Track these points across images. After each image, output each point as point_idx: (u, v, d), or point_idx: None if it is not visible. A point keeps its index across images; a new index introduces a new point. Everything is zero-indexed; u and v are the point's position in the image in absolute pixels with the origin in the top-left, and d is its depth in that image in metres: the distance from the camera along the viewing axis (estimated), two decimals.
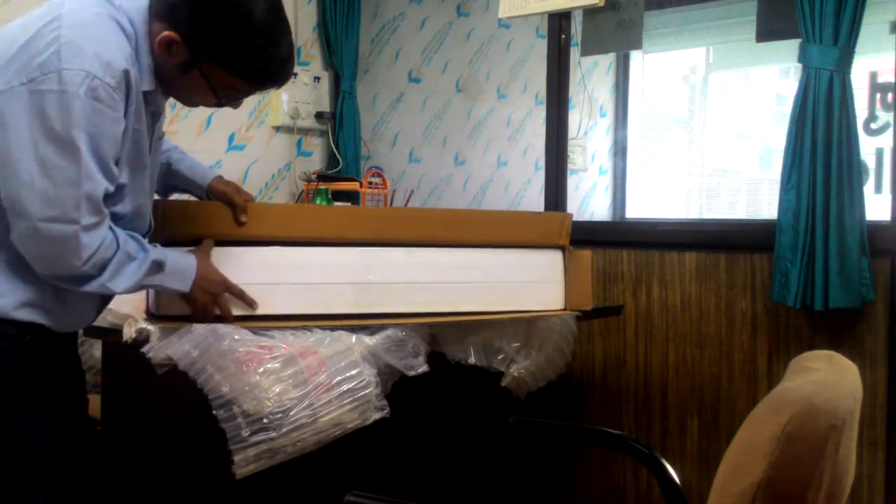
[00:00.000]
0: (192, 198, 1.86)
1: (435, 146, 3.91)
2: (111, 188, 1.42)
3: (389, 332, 1.79)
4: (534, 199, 4.08)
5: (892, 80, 2.63)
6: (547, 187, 2.91)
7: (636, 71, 4.56)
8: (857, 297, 2.23)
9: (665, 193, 4.76)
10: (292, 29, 1.56)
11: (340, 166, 3.39)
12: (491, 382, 2.06)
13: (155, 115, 1.56)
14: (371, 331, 1.79)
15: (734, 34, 4.19)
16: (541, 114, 3.08)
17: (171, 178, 1.82)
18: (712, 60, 4.78)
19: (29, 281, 1.44)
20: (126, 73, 1.39)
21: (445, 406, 2.26)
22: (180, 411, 1.80)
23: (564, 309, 2.09)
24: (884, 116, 2.68)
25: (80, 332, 1.69)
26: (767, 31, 2.85)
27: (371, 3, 3.60)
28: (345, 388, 1.63)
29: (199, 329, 1.58)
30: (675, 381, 2.67)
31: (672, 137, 4.97)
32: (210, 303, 1.64)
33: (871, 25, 2.56)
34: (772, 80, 4.96)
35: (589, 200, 4.44)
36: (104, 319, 1.69)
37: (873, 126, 2.65)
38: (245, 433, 1.52)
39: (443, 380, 1.94)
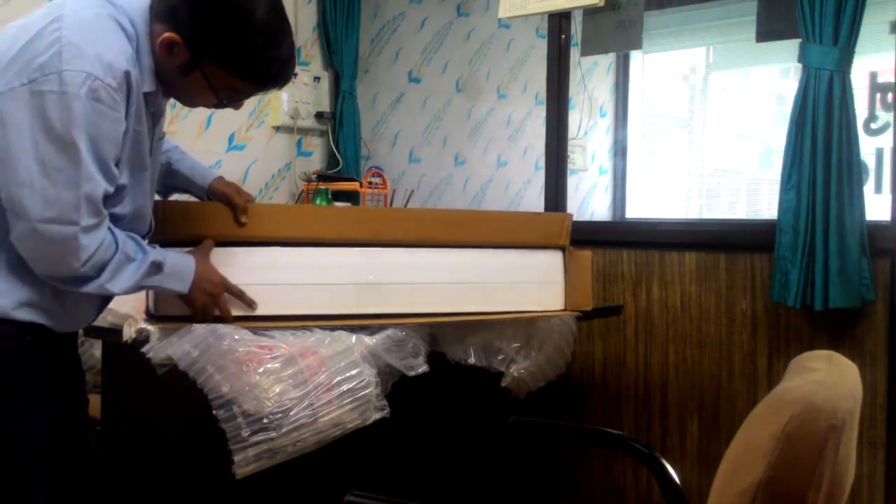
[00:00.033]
0: (193, 198, 1.87)
1: (435, 146, 3.91)
2: (111, 189, 1.42)
3: (389, 332, 1.79)
4: (534, 199, 4.08)
5: (892, 80, 2.63)
6: (547, 187, 2.91)
7: (636, 71, 4.56)
8: (857, 297, 2.23)
9: (665, 193, 4.76)
10: (292, 29, 1.56)
11: (340, 166, 3.39)
12: (491, 382, 2.06)
13: (156, 116, 1.56)
14: (371, 331, 1.79)
15: (734, 34, 4.20)
16: (541, 114, 3.08)
17: (171, 179, 1.82)
18: (712, 60, 4.78)
19: (28, 281, 1.44)
20: (127, 75, 1.39)
21: (445, 406, 2.26)
22: (180, 411, 1.80)
23: (564, 309, 2.09)
24: (884, 116, 2.68)
25: (80, 332, 1.69)
26: (767, 31, 2.85)
27: (371, 3, 3.60)
28: (345, 388, 1.63)
29: (199, 329, 1.58)
30: (675, 381, 2.67)
31: (672, 137, 4.97)
32: (209, 304, 1.64)
33: (871, 25, 2.56)
34: (772, 80, 4.96)
35: (589, 200, 4.44)
36: (104, 319, 1.69)
37: (873, 126, 2.65)
38: (245, 433, 1.52)
39: (443, 380, 1.94)
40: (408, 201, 3.15)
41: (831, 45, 2.22)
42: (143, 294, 1.66)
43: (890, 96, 2.72)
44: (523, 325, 2.08)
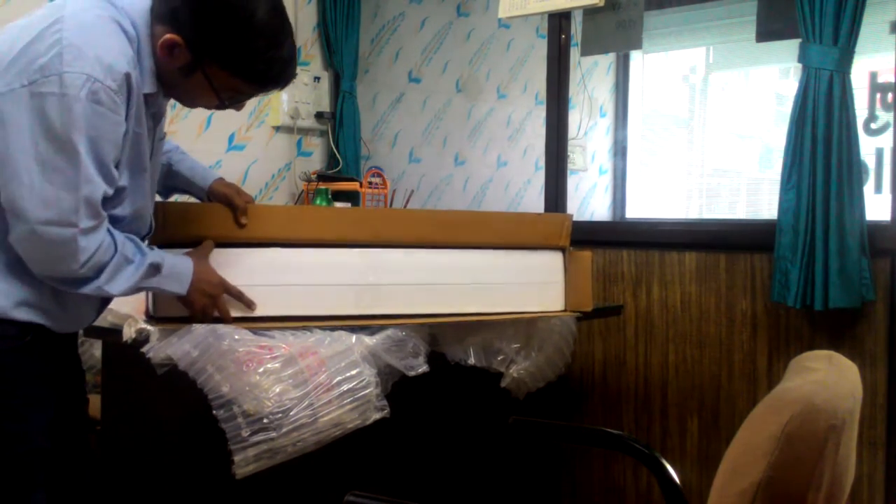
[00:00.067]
0: (193, 199, 1.87)
1: (435, 146, 3.91)
2: (110, 191, 1.42)
3: (389, 332, 1.79)
4: (534, 200, 4.08)
5: (892, 80, 2.63)
6: (547, 187, 2.91)
7: (636, 71, 4.56)
8: (857, 297, 2.23)
9: (665, 193, 4.76)
10: (293, 29, 1.56)
11: (340, 166, 3.39)
12: (491, 382, 2.06)
13: (156, 117, 1.56)
14: (371, 331, 1.79)
15: (734, 34, 4.20)
16: (541, 114, 3.08)
17: (171, 180, 1.82)
18: (712, 60, 4.78)
19: (28, 281, 1.44)
20: (127, 77, 1.39)
21: (445, 406, 2.26)
22: (180, 411, 1.80)
23: (564, 310, 2.09)
24: (884, 116, 2.68)
25: (81, 332, 1.69)
26: (767, 31, 2.85)
27: (371, 3, 3.60)
28: (345, 388, 1.63)
29: (199, 329, 1.58)
30: (675, 381, 2.67)
31: (672, 137, 4.97)
32: (208, 305, 1.64)
33: (871, 25, 2.56)
34: (772, 80, 4.96)
35: (589, 200, 4.44)
36: (104, 319, 1.69)
37: (873, 126, 2.65)
38: (245, 433, 1.52)
39: (443, 380, 1.94)
40: (408, 201, 3.15)
41: (831, 45, 2.22)
42: (142, 295, 1.66)
43: (890, 96, 2.72)
44: (523, 326, 2.08)
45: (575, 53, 2.98)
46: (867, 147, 2.46)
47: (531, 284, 2.06)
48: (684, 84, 4.93)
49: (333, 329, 1.75)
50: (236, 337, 1.59)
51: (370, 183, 3.13)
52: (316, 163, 3.47)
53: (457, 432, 2.31)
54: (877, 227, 2.28)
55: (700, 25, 4.32)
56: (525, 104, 4.21)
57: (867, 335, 2.31)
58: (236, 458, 1.52)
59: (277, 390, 1.55)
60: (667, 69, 4.82)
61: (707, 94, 4.86)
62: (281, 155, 3.36)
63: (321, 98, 3.45)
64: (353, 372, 1.66)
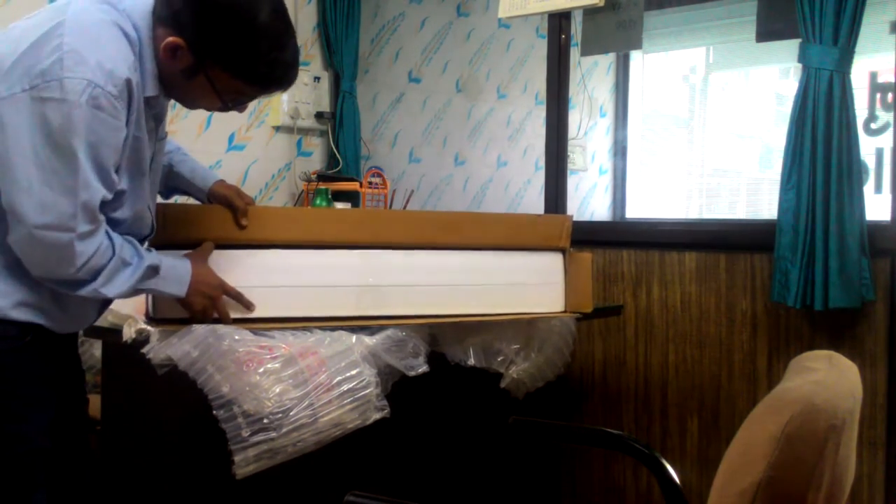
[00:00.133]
0: (194, 200, 1.87)
1: (435, 146, 3.91)
2: (109, 196, 1.42)
3: (389, 332, 1.79)
4: (534, 200, 4.08)
5: (892, 80, 2.63)
6: (547, 187, 2.91)
7: (636, 71, 4.56)
8: (857, 297, 2.23)
9: (665, 193, 4.76)
10: (295, 31, 1.56)
11: (340, 166, 3.39)
12: (491, 382, 2.06)
13: (158, 118, 1.56)
14: (371, 331, 1.79)
15: (734, 34, 4.20)
16: (541, 114, 3.08)
17: (172, 180, 1.82)
18: (712, 60, 4.78)
19: (27, 282, 1.44)
20: (128, 82, 1.39)
21: (445, 406, 2.26)
22: (180, 411, 1.80)
23: (564, 311, 2.09)
24: (884, 116, 2.68)
25: (81, 332, 1.69)
26: (767, 31, 2.85)
27: (371, 3, 3.60)
28: (345, 388, 1.63)
29: (199, 329, 1.58)
30: (675, 381, 2.67)
31: (672, 137, 4.97)
32: (208, 306, 1.64)
33: (871, 25, 2.56)
34: (772, 80, 4.96)
35: (589, 200, 4.44)
36: (104, 319, 1.69)
37: (873, 126, 2.65)
38: (245, 433, 1.52)
39: (443, 380, 1.94)
40: (408, 201, 3.15)
41: (831, 45, 2.22)
42: (143, 295, 1.66)
43: (890, 96, 2.72)
44: (523, 327, 2.08)
45: (575, 53, 2.98)
46: (867, 147, 2.46)
47: (531, 285, 2.06)
48: (684, 84, 4.93)
49: (333, 329, 1.75)
50: (236, 337, 1.59)
51: (370, 183, 3.13)
52: (316, 163, 3.47)
53: (457, 432, 2.31)
54: (877, 227, 2.28)
55: (700, 25, 4.32)
56: (525, 104, 4.21)
57: (867, 335, 2.31)
58: (236, 459, 1.52)
59: (277, 390, 1.55)
60: (667, 69, 4.82)
61: (707, 94, 4.86)
62: (281, 155, 3.37)
63: (321, 98, 3.45)
64: (353, 372, 1.66)
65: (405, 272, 1.90)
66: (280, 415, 1.54)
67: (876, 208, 2.39)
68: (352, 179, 3.18)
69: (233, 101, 1.54)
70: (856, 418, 1.15)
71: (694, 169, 4.89)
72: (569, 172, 2.98)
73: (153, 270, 1.51)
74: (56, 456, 1.52)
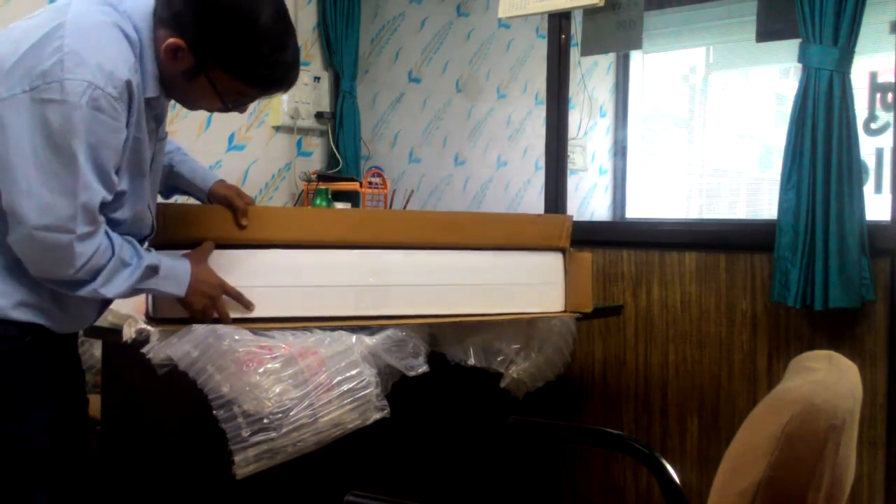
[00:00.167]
0: (194, 200, 1.87)
1: (435, 146, 3.91)
2: (109, 197, 1.42)
3: (389, 332, 1.79)
4: (534, 200, 4.08)
5: (892, 80, 2.63)
6: (547, 187, 2.91)
7: (636, 71, 4.56)
8: (857, 297, 2.23)
9: (665, 193, 4.76)
10: (295, 32, 1.56)
11: (340, 166, 3.39)
12: (491, 382, 2.06)
13: (158, 118, 1.56)
14: (371, 331, 1.79)
15: (734, 34, 4.20)
16: (541, 114, 3.08)
17: (172, 180, 1.82)
18: (712, 60, 4.78)
19: (27, 283, 1.44)
20: (128, 84, 1.39)
21: (445, 406, 2.26)
22: (180, 411, 1.80)
23: (564, 311, 2.09)
24: (884, 116, 2.68)
25: (81, 332, 1.69)
26: (767, 31, 2.85)
27: (371, 3, 3.60)
28: (345, 388, 1.63)
29: (199, 329, 1.58)
30: (675, 381, 2.67)
31: (672, 137, 4.97)
32: (208, 306, 1.64)
33: (871, 25, 2.56)
34: (772, 80, 4.96)
35: (589, 200, 4.44)
36: (104, 319, 1.69)
37: (873, 126, 2.65)
38: (245, 433, 1.52)
39: (443, 380, 1.94)
40: (408, 201, 3.15)
41: (831, 45, 2.22)
42: (143, 295, 1.66)
43: (890, 96, 2.72)
44: (523, 327, 2.08)
45: (575, 53, 2.98)
46: (867, 147, 2.46)
47: (531, 285, 2.06)
48: (684, 84, 4.93)
49: (333, 329, 1.75)
50: (236, 337, 1.59)
51: (370, 183, 3.13)
52: (316, 163, 3.47)
53: (457, 432, 2.31)
54: (877, 227, 2.28)
55: (700, 25, 4.32)
56: (525, 104, 4.21)
57: (867, 335, 2.31)
58: (236, 459, 1.52)
59: (277, 390, 1.55)
60: (667, 69, 4.82)
61: (707, 94, 4.86)
62: (281, 155, 3.37)
63: (321, 98, 3.46)
64: (353, 372, 1.66)
65: (405, 272, 1.90)
66: (280, 415, 1.54)
67: (876, 208, 2.39)
68: (352, 179, 3.18)
69: (233, 102, 1.55)
70: (856, 418, 1.15)
71: (694, 169, 4.89)
72: (569, 172, 2.98)
73: (152, 270, 1.51)
74: (56, 456, 1.52)
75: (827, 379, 1.14)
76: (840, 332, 2.35)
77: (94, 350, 2.22)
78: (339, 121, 3.41)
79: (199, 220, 1.73)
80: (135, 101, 1.42)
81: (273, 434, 1.53)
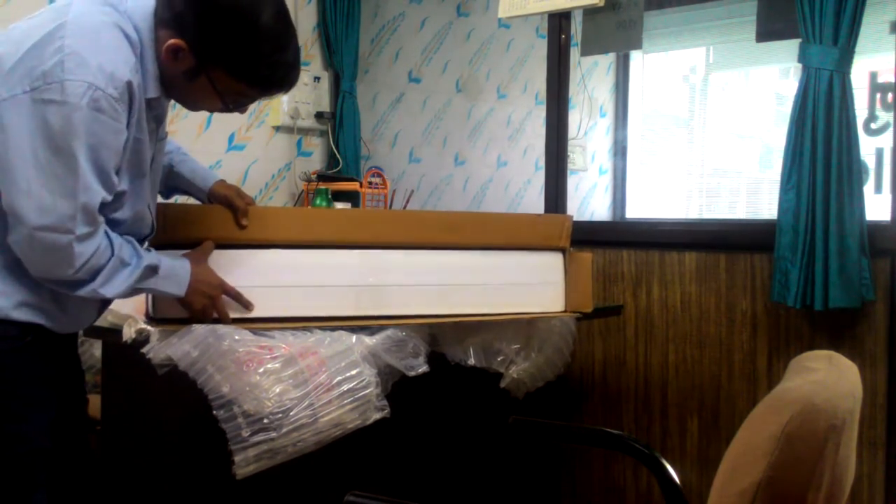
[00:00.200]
0: (194, 200, 1.87)
1: (435, 146, 3.91)
2: (109, 198, 1.42)
3: (389, 332, 1.79)
4: (534, 200, 4.08)
5: (892, 80, 2.63)
6: (547, 187, 2.91)
7: (636, 71, 4.56)
8: (857, 297, 2.23)
9: (665, 193, 4.76)
10: (296, 32, 1.56)
11: (340, 166, 3.39)
12: (491, 382, 2.06)
13: (158, 119, 1.56)
14: (371, 331, 1.79)
15: (734, 34, 4.20)
16: (541, 114, 3.08)
17: (172, 180, 1.82)
18: (712, 60, 4.78)
19: (28, 283, 1.44)
20: (129, 85, 1.39)
21: (445, 406, 2.26)
22: (180, 411, 1.80)
23: (564, 311, 2.09)
24: (884, 116, 2.68)
25: (80, 332, 1.69)
26: (767, 31, 2.85)
27: (371, 3, 3.60)
28: (345, 388, 1.63)
29: (199, 329, 1.58)
30: (675, 381, 2.67)
31: (672, 137, 4.97)
32: (207, 306, 1.64)
33: (871, 25, 2.56)
34: (772, 80, 4.96)
35: (589, 200, 4.44)
36: (104, 319, 1.69)
37: (873, 126, 2.65)
38: (245, 433, 1.52)
39: (443, 380, 1.94)
40: (408, 201, 3.15)
41: (831, 45, 2.22)
42: (143, 295, 1.66)
43: (890, 96, 2.72)
44: (523, 327, 2.08)
45: (575, 53, 2.98)
46: (867, 147, 2.46)
47: (531, 285, 2.06)
48: (684, 84, 4.93)
49: (333, 329, 1.75)
50: (236, 337, 1.59)
51: (370, 183, 3.13)
52: (316, 163, 3.47)
53: (457, 432, 2.31)
54: (877, 227, 2.28)
55: (700, 25, 4.32)
56: (525, 104, 4.21)
57: (867, 335, 2.31)
58: (236, 459, 1.52)
59: (277, 390, 1.55)
60: (667, 69, 4.82)
61: (707, 94, 4.86)
62: (281, 155, 3.37)
63: (321, 98, 3.45)
64: (353, 372, 1.66)
65: (405, 272, 1.90)
66: (280, 415, 1.54)
67: (876, 208, 2.39)
68: (352, 179, 3.18)
69: (234, 102, 1.55)
70: (856, 418, 1.15)
71: (694, 169, 4.89)
72: (569, 172, 2.98)
73: (152, 270, 1.51)
74: (56, 456, 1.52)
75: (827, 379, 1.14)
76: (840, 332, 2.35)
77: (94, 350, 2.22)
78: (339, 121, 3.41)
79: (200, 220, 1.73)
80: (135, 101, 1.42)
81: (273, 434, 1.53)
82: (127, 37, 1.41)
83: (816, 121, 2.24)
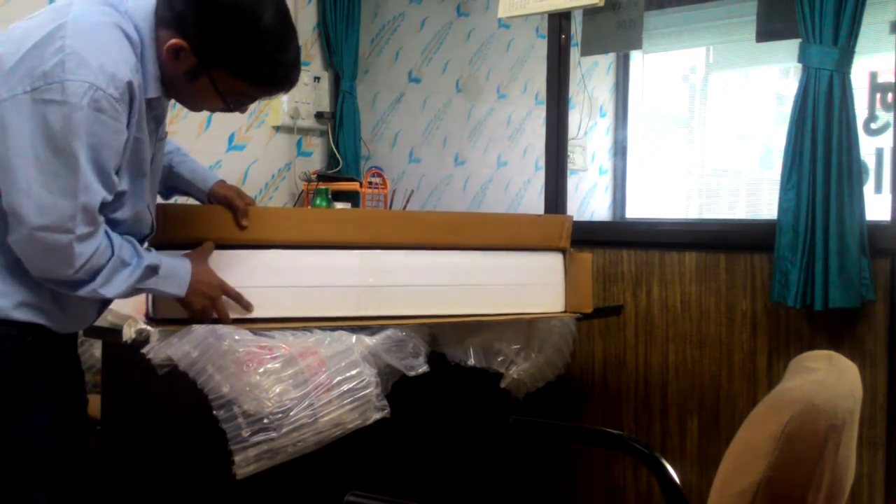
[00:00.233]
0: (194, 201, 1.87)
1: (435, 146, 3.91)
2: (109, 198, 1.42)
3: (389, 332, 1.79)
4: (534, 200, 4.08)
5: (892, 80, 2.63)
6: (547, 187, 2.91)
7: (636, 71, 4.56)
8: (857, 297, 2.23)
9: (665, 193, 4.76)
10: (296, 32, 1.56)
11: (340, 166, 3.39)
12: (491, 382, 2.06)
13: (158, 119, 1.56)
14: (371, 331, 1.79)
15: (734, 34, 4.20)
16: (541, 114, 3.08)
17: (172, 181, 1.82)
18: (712, 60, 4.78)
19: (27, 283, 1.44)
20: (130, 85, 1.39)
21: (445, 406, 2.26)
22: (180, 411, 1.80)
23: (565, 311, 2.09)
24: (884, 116, 2.68)
25: (80, 332, 1.69)
26: (767, 31, 2.85)
27: (371, 3, 3.60)
28: (345, 388, 1.63)
29: (199, 330, 1.58)
30: (675, 381, 2.67)
31: (672, 137, 4.97)
32: (207, 306, 1.64)
33: (871, 25, 2.56)
34: (772, 80, 4.96)
35: (589, 200, 4.44)
36: (104, 319, 1.69)
37: (873, 126, 2.65)
38: (245, 433, 1.52)
39: (443, 380, 1.94)
40: (408, 201, 3.15)
41: (831, 45, 2.22)
42: (143, 295, 1.66)
43: (890, 96, 2.72)
44: (523, 327, 2.08)
45: (575, 53, 2.98)
46: (867, 147, 2.46)
47: (531, 286, 2.06)
48: (684, 84, 4.93)
49: (333, 329, 1.75)
50: (236, 337, 1.59)
51: (370, 183, 3.13)
52: (316, 163, 3.47)
53: (457, 432, 2.31)
54: (877, 227, 2.28)
55: (700, 25, 4.32)
56: (525, 104, 4.21)
57: (867, 335, 2.31)
58: (237, 459, 1.52)
59: (278, 390, 1.55)
60: (667, 69, 4.82)
61: (707, 94, 4.87)
62: (281, 155, 3.37)
63: (321, 98, 3.45)
64: (354, 372, 1.66)
65: (405, 272, 1.90)
66: (280, 415, 1.54)
67: (876, 208, 2.39)
68: (352, 179, 3.18)
69: (235, 102, 1.55)
70: (856, 418, 1.15)
71: (694, 169, 4.89)
72: (569, 172, 2.98)
73: (152, 270, 1.51)
74: (57, 456, 1.52)
75: (827, 379, 1.14)
76: (840, 332, 2.35)
77: (94, 350, 2.22)
78: (339, 121, 3.41)
79: (200, 220, 1.73)
80: (136, 101, 1.42)
81: (273, 434, 1.53)
82: (127, 37, 1.41)
83: (816, 121, 2.24)
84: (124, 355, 1.67)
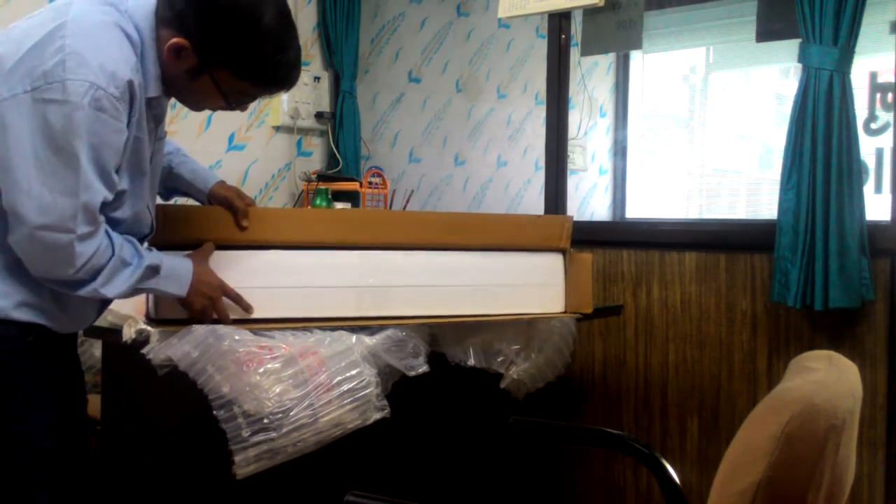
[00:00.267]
0: (194, 201, 1.87)
1: (435, 146, 3.91)
2: (110, 197, 1.42)
3: (389, 332, 1.79)
4: (534, 200, 4.08)
5: (892, 80, 2.63)
6: (547, 187, 2.91)
7: (636, 71, 4.56)
8: (857, 297, 2.23)
9: (665, 193, 4.76)
10: (297, 31, 1.56)
11: (340, 166, 3.39)
12: (491, 382, 2.06)
13: (157, 118, 1.56)
14: (371, 331, 1.79)
15: (734, 34, 4.20)
16: (541, 114, 3.08)
17: (172, 182, 1.82)
18: (712, 60, 4.78)
19: (28, 283, 1.44)
20: (130, 84, 1.39)
21: (445, 406, 2.26)
22: (180, 411, 1.80)
23: (565, 311, 2.09)
24: (884, 116, 2.68)
25: (80, 332, 1.69)
26: (767, 31, 2.85)
27: (371, 3, 3.60)
28: (345, 388, 1.63)
29: (200, 330, 1.58)
30: (675, 381, 2.67)
31: (672, 137, 4.97)
32: (208, 307, 1.64)
33: (871, 25, 2.56)
34: (772, 80, 4.96)
35: (589, 200, 4.44)
36: (104, 319, 1.69)
37: (873, 126, 2.65)
38: (245, 433, 1.52)
39: (443, 380, 1.94)
40: (408, 201, 3.15)
41: (831, 45, 2.22)
42: (143, 295, 1.66)
43: (890, 96, 2.72)
44: (523, 327, 2.08)
45: (575, 53, 2.98)
46: (867, 147, 2.46)
47: (531, 286, 2.06)
48: (684, 84, 4.93)
49: (333, 329, 1.75)
50: (236, 337, 1.59)
51: (370, 183, 3.13)
52: (316, 163, 3.47)
53: (457, 432, 2.31)
54: (877, 227, 2.28)
55: (700, 25, 4.32)
56: (525, 104, 4.21)
57: (867, 335, 2.31)
58: (237, 459, 1.52)
59: (278, 390, 1.55)
60: (667, 69, 4.82)
61: (707, 94, 4.87)
62: (281, 155, 3.37)
63: (321, 98, 3.45)
64: (354, 372, 1.66)
65: (405, 273, 1.90)
66: (280, 415, 1.54)
67: (876, 208, 2.40)
68: (352, 179, 3.18)
69: (236, 101, 1.55)
70: (856, 418, 1.15)
71: (694, 169, 4.89)
72: (569, 172, 2.98)
73: (153, 270, 1.51)
74: (57, 456, 1.52)
75: (827, 379, 1.14)
76: (840, 332, 2.35)
77: (94, 350, 2.22)
78: (339, 121, 3.41)
79: (200, 221, 1.73)
80: (136, 101, 1.42)
81: (273, 434, 1.53)
82: (127, 36, 1.42)
83: (816, 121, 2.24)
84: (124, 355, 1.67)
